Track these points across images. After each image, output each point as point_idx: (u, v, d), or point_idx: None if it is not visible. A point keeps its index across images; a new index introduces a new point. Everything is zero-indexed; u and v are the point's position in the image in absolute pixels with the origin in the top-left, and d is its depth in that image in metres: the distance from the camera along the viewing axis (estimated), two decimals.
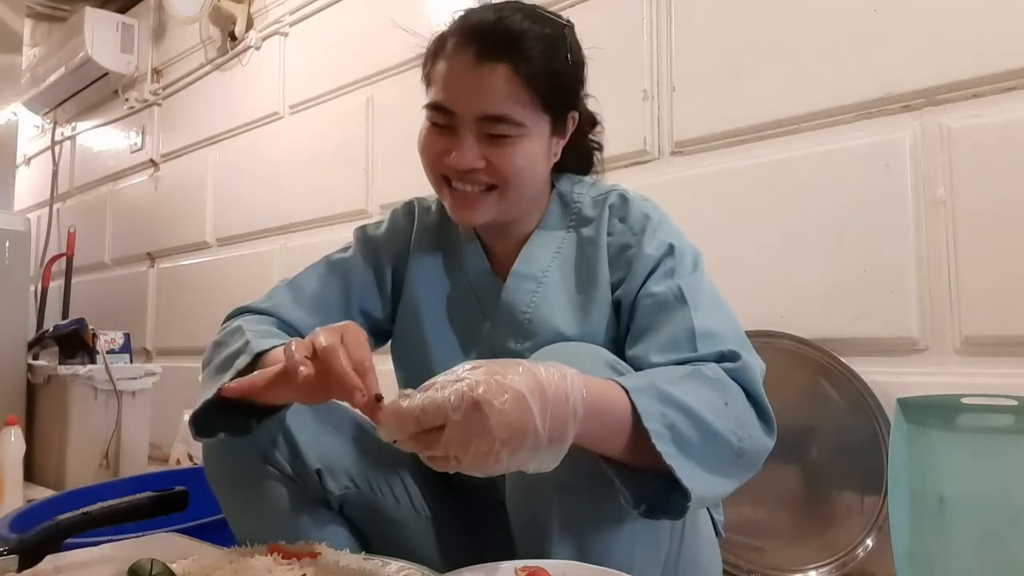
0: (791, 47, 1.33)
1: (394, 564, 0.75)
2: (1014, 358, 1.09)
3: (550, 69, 0.84)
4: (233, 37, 2.60)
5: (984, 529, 1.02)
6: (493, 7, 0.86)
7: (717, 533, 0.91)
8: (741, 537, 1.24)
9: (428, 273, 0.98)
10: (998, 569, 1.01)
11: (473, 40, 0.83)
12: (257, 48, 2.53)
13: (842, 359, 1.22)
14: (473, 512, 0.98)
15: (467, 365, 0.62)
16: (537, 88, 0.83)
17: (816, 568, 1.19)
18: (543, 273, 0.91)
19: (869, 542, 1.15)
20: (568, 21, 0.91)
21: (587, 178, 0.99)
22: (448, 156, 0.84)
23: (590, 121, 0.98)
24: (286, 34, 2.43)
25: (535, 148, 0.86)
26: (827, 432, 1.23)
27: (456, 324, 0.96)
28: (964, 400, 1.06)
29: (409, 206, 1.03)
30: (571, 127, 0.91)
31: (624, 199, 0.91)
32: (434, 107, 0.86)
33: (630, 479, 0.68)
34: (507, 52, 0.82)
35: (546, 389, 0.60)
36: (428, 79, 0.89)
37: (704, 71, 1.45)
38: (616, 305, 0.87)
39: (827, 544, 1.18)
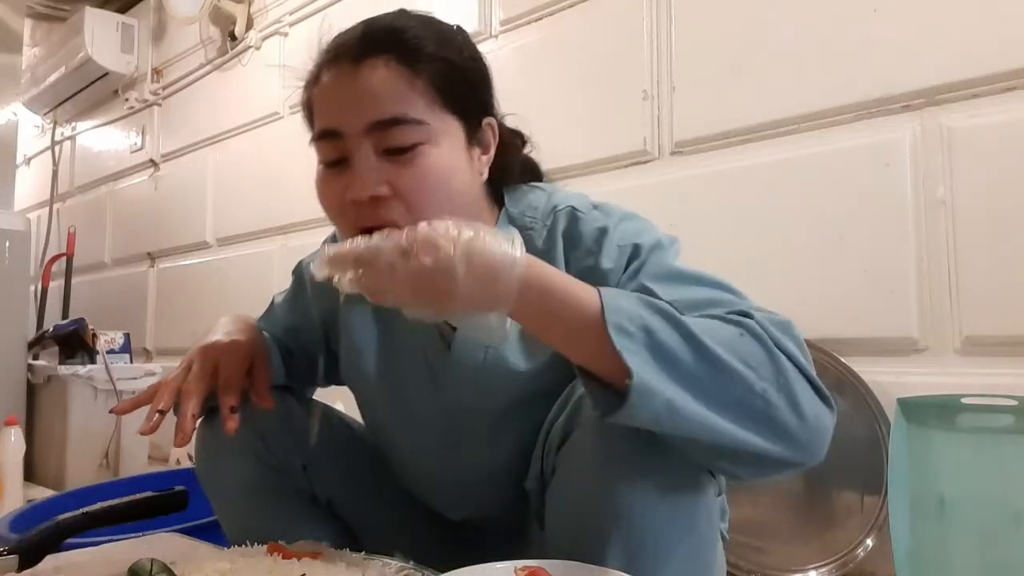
0: (791, 47, 1.33)
1: (394, 564, 0.75)
2: (1014, 358, 1.09)
3: (444, 58, 0.72)
4: (233, 37, 2.60)
5: (984, 529, 1.02)
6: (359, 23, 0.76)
7: (722, 536, 0.90)
8: (741, 537, 1.23)
9: (361, 316, 0.89)
10: (998, 569, 1.00)
11: (348, 48, 0.73)
12: (257, 48, 2.53)
13: (842, 359, 1.22)
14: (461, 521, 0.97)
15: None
16: (432, 80, 0.71)
17: (816, 568, 1.18)
18: None
19: (869, 542, 1.15)
20: (457, 25, 0.78)
21: (542, 190, 0.85)
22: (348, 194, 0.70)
23: (519, 137, 0.86)
24: (286, 34, 2.43)
25: (447, 158, 0.71)
26: None
27: (402, 380, 0.88)
28: (964, 400, 1.06)
29: (333, 238, 0.91)
30: (492, 139, 0.78)
31: (573, 218, 0.78)
32: (320, 137, 0.73)
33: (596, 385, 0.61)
34: (388, 44, 0.71)
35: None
36: (310, 114, 0.76)
37: (704, 71, 1.44)
38: None
39: (827, 544, 1.18)
